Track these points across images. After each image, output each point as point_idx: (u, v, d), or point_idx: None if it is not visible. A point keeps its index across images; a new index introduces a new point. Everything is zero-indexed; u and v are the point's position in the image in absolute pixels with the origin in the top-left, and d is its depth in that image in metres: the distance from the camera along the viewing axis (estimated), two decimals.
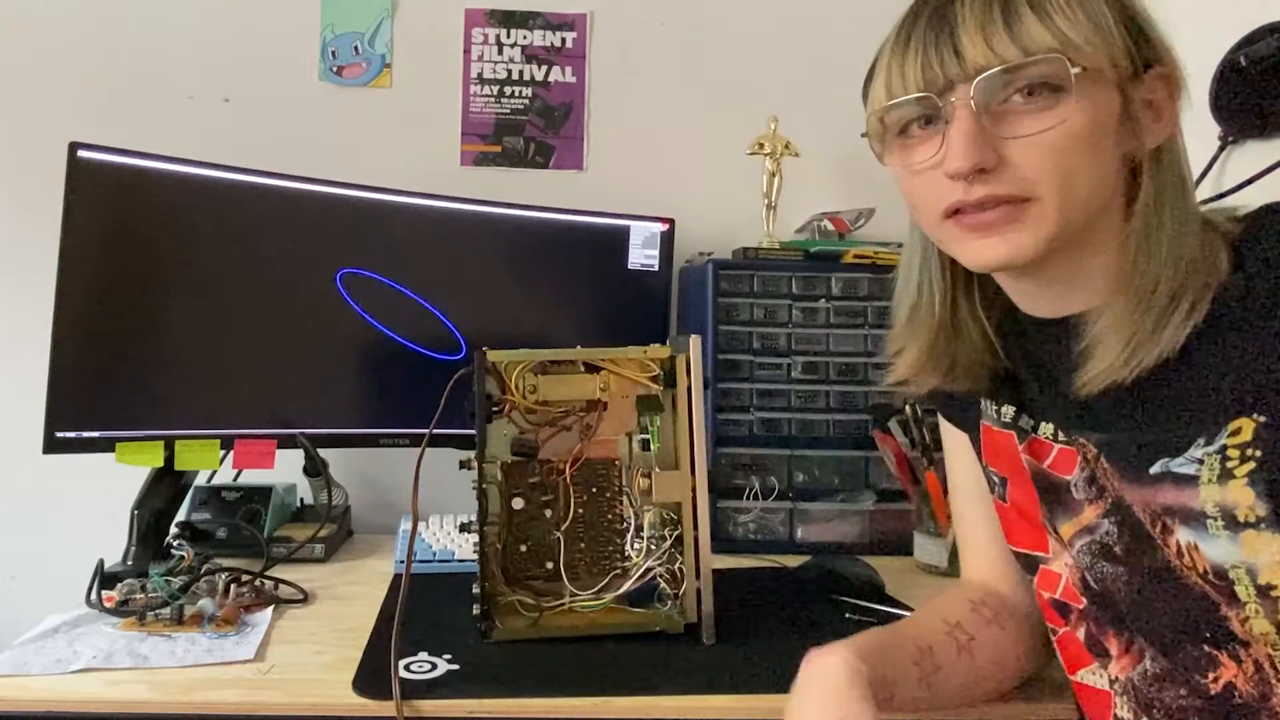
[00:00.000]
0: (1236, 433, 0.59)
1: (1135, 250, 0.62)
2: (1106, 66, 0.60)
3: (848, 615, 0.98)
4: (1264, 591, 0.59)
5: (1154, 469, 0.63)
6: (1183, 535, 0.62)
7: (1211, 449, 0.60)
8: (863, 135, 0.70)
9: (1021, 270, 0.67)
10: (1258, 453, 0.58)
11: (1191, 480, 0.61)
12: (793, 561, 1.17)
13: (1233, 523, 0.59)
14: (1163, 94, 0.63)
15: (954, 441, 0.87)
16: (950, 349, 0.75)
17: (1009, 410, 0.76)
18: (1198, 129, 1.22)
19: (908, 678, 0.70)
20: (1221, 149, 1.20)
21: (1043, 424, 0.73)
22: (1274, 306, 0.59)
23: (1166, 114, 0.63)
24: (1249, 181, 1.14)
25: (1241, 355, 0.60)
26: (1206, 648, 0.63)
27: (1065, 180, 0.60)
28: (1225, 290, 0.61)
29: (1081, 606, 0.72)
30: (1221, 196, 1.17)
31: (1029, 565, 0.77)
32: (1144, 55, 0.62)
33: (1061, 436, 0.72)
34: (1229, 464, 0.59)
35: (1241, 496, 0.58)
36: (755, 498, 1.26)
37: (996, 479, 0.79)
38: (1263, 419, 0.58)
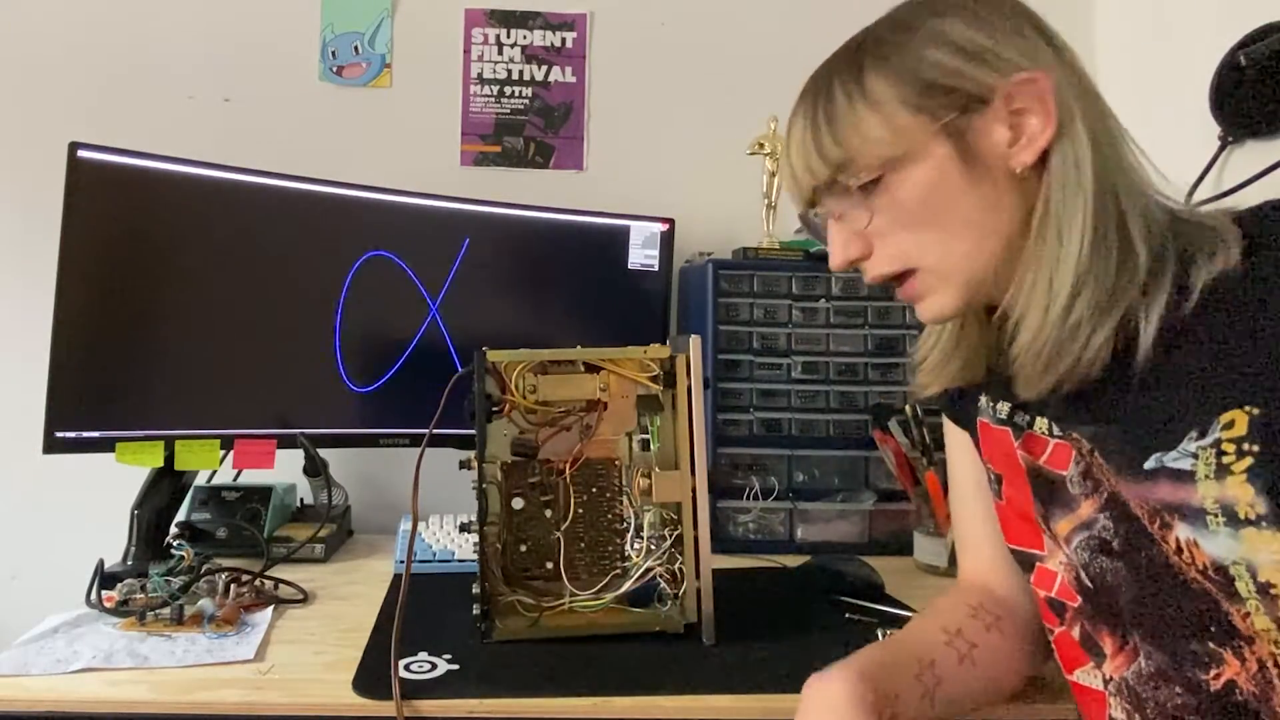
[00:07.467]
0: (1230, 425, 0.58)
1: (1038, 261, 0.64)
2: (916, 134, 0.64)
3: (848, 615, 0.98)
4: (1264, 589, 0.58)
5: (1148, 464, 0.63)
6: (1182, 532, 0.62)
7: (1205, 443, 0.59)
8: None
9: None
10: (1255, 447, 0.57)
11: (1188, 476, 0.60)
12: (793, 561, 1.17)
13: (1233, 519, 0.58)
14: (1030, 99, 0.63)
15: (956, 440, 0.87)
16: (961, 338, 0.78)
17: (1004, 406, 0.76)
18: (1198, 129, 1.22)
19: (910, 693, 0.70)
20: (1221, 149, 1.20)
21: (1038, 419, 0.73)
22: (1263, 296, 0.59)
23: (1037, 117, 0.63)
24: (1249, 181, 1.14)
25: (1226, 345, 0.60)
26: (1210, 644, 0.62)
27: (929, 241, 0.66)
28: (1215, 280, 0.61)
29: (1076, 604, 0.72)
30: (1221, 196, 1.17)
31: (1026, 563, 0.77)
32: (984, 82, 0.63)
33: (1056, 431, 0.72)
34: (1225, 459, 0.58)
35: (1241, 493, 0.57)
36: (755, 498, 1.26)
37: (993, 476, 0.79)
38: (1256, 411, 0.57)
